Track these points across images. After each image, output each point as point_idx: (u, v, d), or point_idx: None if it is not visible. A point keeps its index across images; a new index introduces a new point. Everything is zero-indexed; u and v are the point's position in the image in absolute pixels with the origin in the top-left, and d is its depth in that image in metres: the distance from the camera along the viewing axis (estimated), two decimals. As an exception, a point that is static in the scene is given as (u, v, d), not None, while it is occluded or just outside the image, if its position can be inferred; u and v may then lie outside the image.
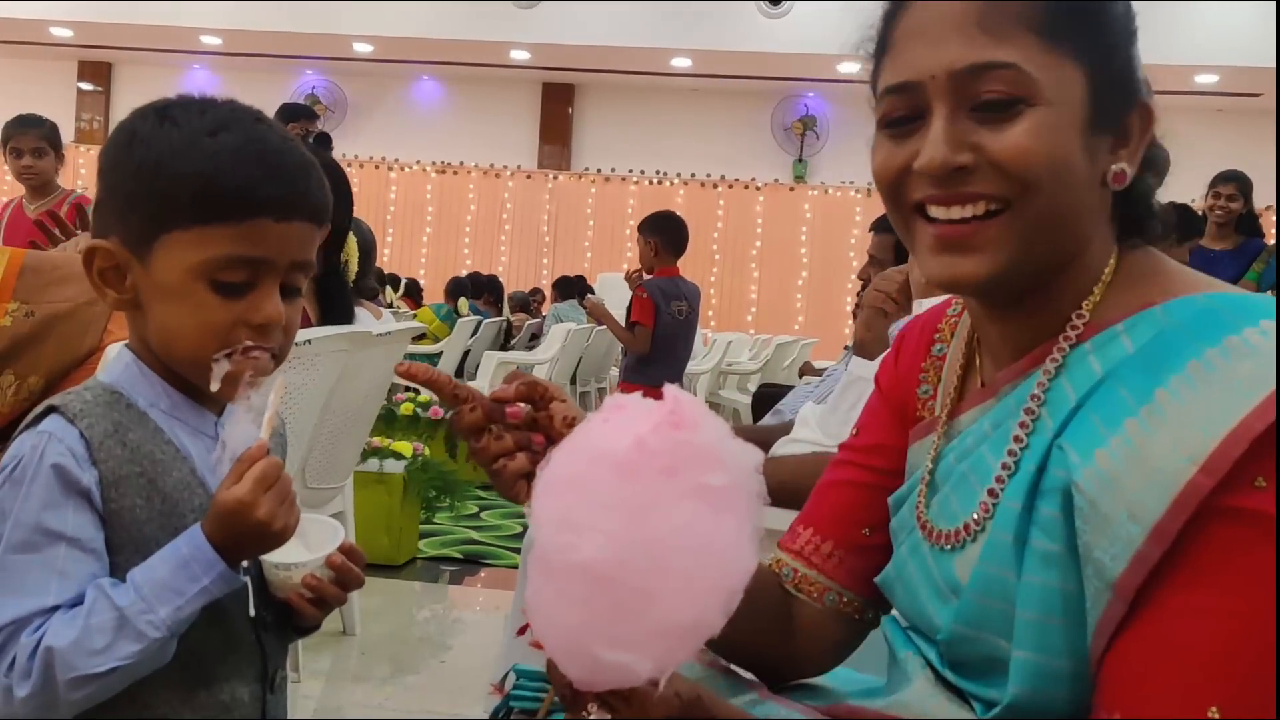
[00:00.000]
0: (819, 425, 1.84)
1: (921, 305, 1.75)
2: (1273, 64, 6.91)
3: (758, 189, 10.17)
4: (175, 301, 0.86)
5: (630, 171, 10.87)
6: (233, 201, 0.84)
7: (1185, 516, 0.64)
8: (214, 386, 0.86)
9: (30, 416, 0.86)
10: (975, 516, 0.79)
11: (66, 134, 11.30)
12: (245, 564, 0.87)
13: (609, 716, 0.73)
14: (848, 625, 0.97)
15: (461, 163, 10.87)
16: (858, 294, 2.85)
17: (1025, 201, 0.73)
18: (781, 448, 1.84)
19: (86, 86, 11.41)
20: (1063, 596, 0.71)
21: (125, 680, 0.80)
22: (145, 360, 0.90)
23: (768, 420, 3.10)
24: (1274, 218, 4.12)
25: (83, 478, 0.82)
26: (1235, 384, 0.65)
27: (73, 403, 0.85)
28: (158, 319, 0.87)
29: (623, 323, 4.16)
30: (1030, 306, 0.80)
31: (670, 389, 0.74)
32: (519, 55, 9.43)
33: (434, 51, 9.45)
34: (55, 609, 0.80)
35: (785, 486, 1.65)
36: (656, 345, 3.97)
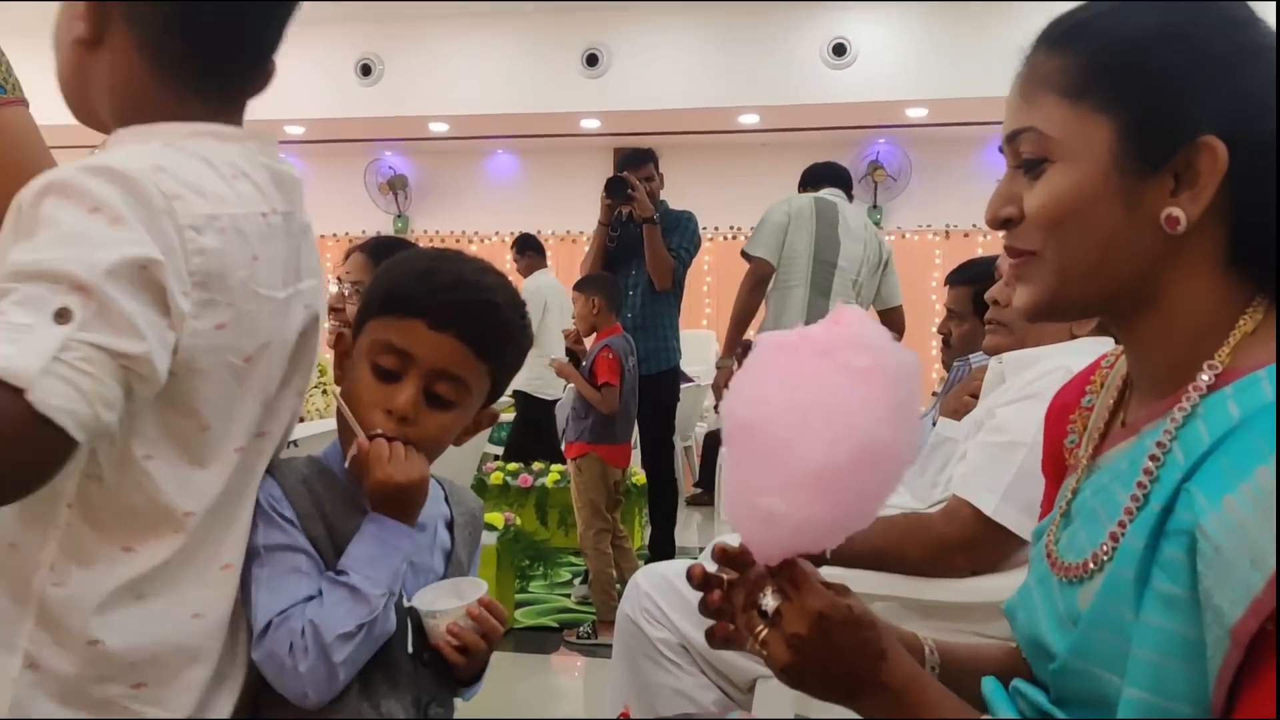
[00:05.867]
0: (906, 488, 1.81)
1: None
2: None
3: (833, 238, 10.13)
4: (353, 372, 1.10)
5: (704, 229, 10.92)
6: (401, 301, 1.07)
7: None
8: (346, 462, 1.07)
9: None
10: (1100, 550, 0.80)
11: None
12: (407, 605, 1.08)
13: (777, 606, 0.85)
14: None
15: (539, 230, 11.07)
16: (942, 345, 2.81)
17: (1050, 248, 0.82)
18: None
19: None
20: (1182, 641, 0.70)
21: (369, 638, 1.01)
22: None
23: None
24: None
25: (284, 511, 1.05)
26: None
27: (275, 464, 1.09)
28: (346, 385, 1.12)
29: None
30: (1150, 347, 0.83)
31: (840, 304, 0.91)
32: (589, 124, 9.62)
33: (507, 126, 9.69)
34: (308, 600, 1.01)
35: (876, 549, 1.63)
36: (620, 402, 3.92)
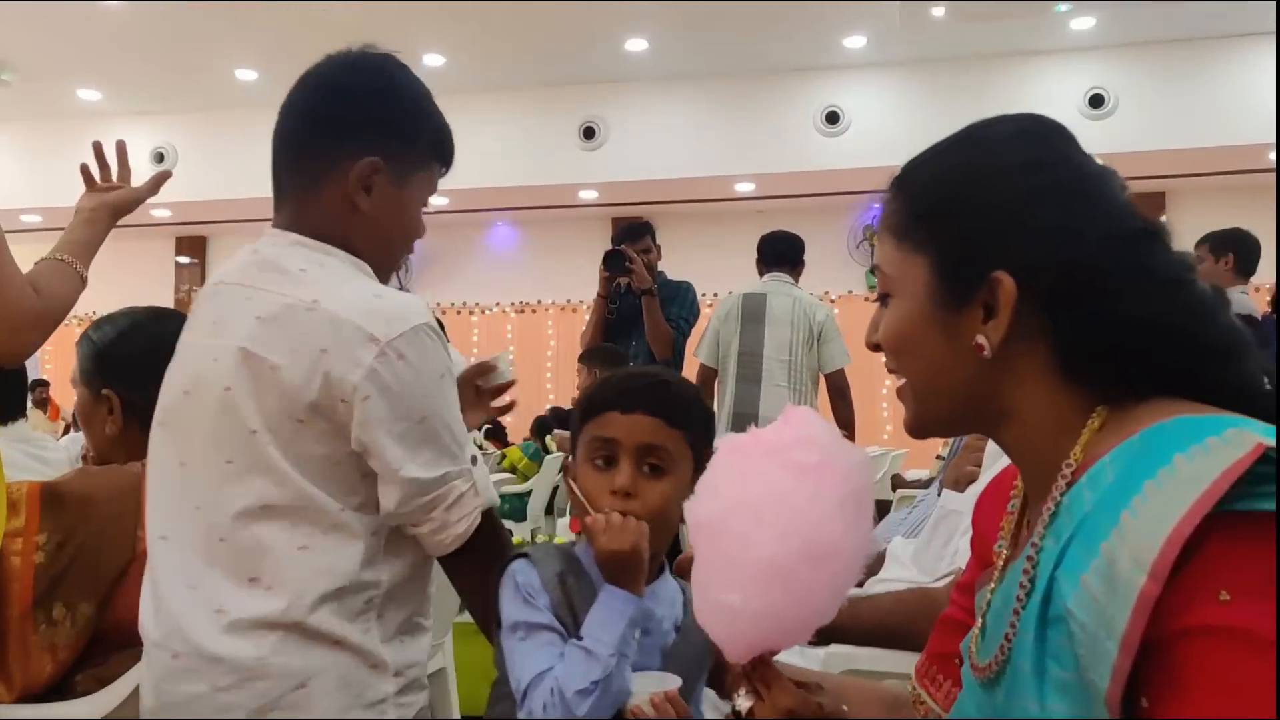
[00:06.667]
0: (913, 562, 1.80)
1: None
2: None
3: (831, 301, 10.19)
4: (581, 476, 1.29)
5: (704, 295, 10.98)
6: (596, 404, 1.30)
7: (1143, 624, 0.67)
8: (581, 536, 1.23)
9: (511, 557, 1.28)
10: (1001, 647, 0.84)
11: (167, 303, 11.97)
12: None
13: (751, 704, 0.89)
14: None
15: (539, 301, 11.16)
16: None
17: (903, 373, 0.91)
18: (874, 587, 1.80)
19: (184, 260, 12.10)
20: None
21: (607, 694, 1.15)
22: None
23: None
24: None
25: (539, 601, 1.23)
26: (1174, 493, 0.69)
27: (536, 550, 1.29)
28: (581, 488, 1.29)
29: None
30: (1019, 455, 0.90)
31: (790, 407, 0.97)
32: (587, 195, 9.75)
33: (507, 199, 9.83)
34: (552, 667, 1.17)
35: (886, 626, 1.60)
36: None
